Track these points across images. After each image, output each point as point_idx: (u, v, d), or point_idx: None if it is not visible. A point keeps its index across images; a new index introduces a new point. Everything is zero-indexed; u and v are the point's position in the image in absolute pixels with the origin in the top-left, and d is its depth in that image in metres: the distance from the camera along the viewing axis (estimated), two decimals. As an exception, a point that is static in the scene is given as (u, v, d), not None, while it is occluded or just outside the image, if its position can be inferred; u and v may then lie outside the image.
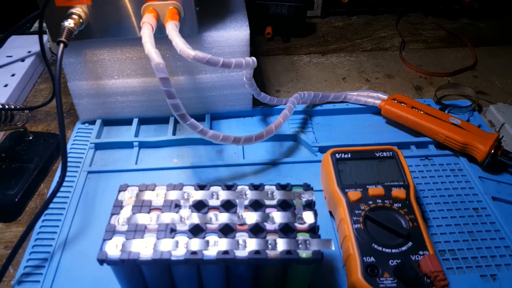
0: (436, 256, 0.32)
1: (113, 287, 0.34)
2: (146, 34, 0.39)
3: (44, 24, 0.41)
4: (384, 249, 0.33)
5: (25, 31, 0.71)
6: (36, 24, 0.71)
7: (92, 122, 0.51)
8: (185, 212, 0.30)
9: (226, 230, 0.29)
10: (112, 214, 0.29)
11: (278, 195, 0.31)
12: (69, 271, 0.36)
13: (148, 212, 0.30)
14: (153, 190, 0.31)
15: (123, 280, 0.31)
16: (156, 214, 0.30)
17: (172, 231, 0.28)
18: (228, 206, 0.30)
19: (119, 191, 0.31)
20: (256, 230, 0.29)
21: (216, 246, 0.27)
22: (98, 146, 0.49)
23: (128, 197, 0.31)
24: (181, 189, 0.31)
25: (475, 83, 0.60)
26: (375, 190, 0.37)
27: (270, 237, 0.28)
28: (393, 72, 0.63)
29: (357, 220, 0.35)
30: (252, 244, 0.27)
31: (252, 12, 0.61)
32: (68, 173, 0.38)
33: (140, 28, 0.40)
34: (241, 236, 0.28)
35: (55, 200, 0.36)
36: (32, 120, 0.54)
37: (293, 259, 0.27)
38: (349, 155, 0.40)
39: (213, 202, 0.30)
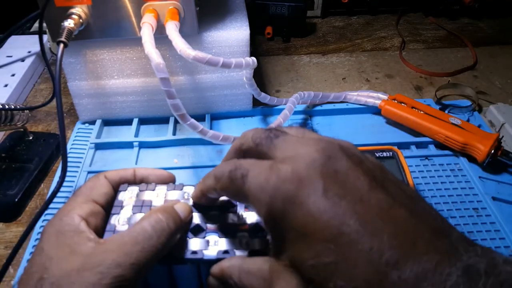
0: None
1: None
2: (146, 34, 0.39)
3: (44, 24, 0.41)
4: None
5: (25, 31, 0.71)
6: (36, 24, 0.70)
7: (92, 122, 0.51)
8: (185, 212, 0.30)
9: (227, 230, 0.29)
10: (112, 214, 0.29)
11: (278, 195, 0.31)
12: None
13: (148, 212, 0.30)
14: (153, 190, 0.31)
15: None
16: (156, 214, 0.29)
17: (172, 231, 0.28)
18: (228, 205, 0.30)
19: (119, 191, 0.31)
20: (257, 230, 0.28)
21: (216, 246, 0.27)
22: (98, 146, 0.49)
23: (128, 197, 0.31)
24: (181, 189, 0.31)
25: (475, 83, 0.60)
26: (375, 190, 0.37)
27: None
28: (393, 72, 0.63)
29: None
30: (253, 243, 0.27)
31: (252, 12, 0.61)
32: (68, 173, 0.38)
33: (140, 28, 0.40)
34: (241, 236, 0.28)
35: (55, 200, 0.35)
36: (32, 120, 0.54)
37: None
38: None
39: (213, 202, 0.30)
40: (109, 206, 0.29)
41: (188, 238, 0.28)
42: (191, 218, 0.28)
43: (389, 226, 0.18)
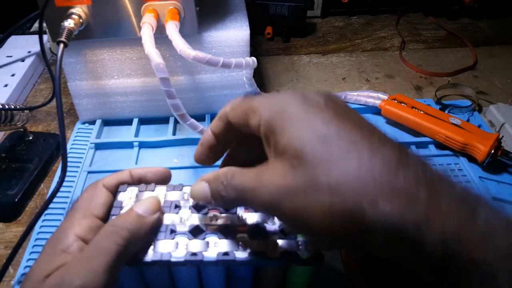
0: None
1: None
2: (146, 34, 0.39)
3: (44, 24, 0.41)
4: (384, 250, 0.32)
5: (25, 31, 0.71)
6: (36, 24, 0.70)
7: (92, 122, 0.51)
8: (185, 213, 0.30)
9: (226, 231, 0.28)
10: (112, 215, 0.29)
11: (278, 195, 0.31)
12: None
13: (148, 213, 0.30)
14: (153, 190, 0.31)
15: (122, 281, 0.31)
16: (156, 215, 0.29)
17: (172, 232, 0.28)
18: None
19: (119, 191, 0.31)
20: (257, 231, 0.28)
21: (216, 247, 0.27)
22: (98, 146, 0.49)
23: (127, 197, 0.31)
24: (181, 190, 0.31)
25: (475, 83, 0.60)
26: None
27: (270, 238, 0.28)
28: (393, 72, 0.63)
29: (357, 220, 0.35)
30: (252, 245, 0.27)
31: (252, 12, 0.61)
32: (68, 173, 0.38)
33: (140, 28, 0.40)
34: (241, 237, 0.28)
35: (55, 200, 0.35)
36: (32, 120, 0.54)
37: (293, 260, 0.27)
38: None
39: (213, 203, 0.30)
40: (109, 215, 0.29)
41: (188, 240, 0.28)
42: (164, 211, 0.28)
43: (382, 141, 0.21)
